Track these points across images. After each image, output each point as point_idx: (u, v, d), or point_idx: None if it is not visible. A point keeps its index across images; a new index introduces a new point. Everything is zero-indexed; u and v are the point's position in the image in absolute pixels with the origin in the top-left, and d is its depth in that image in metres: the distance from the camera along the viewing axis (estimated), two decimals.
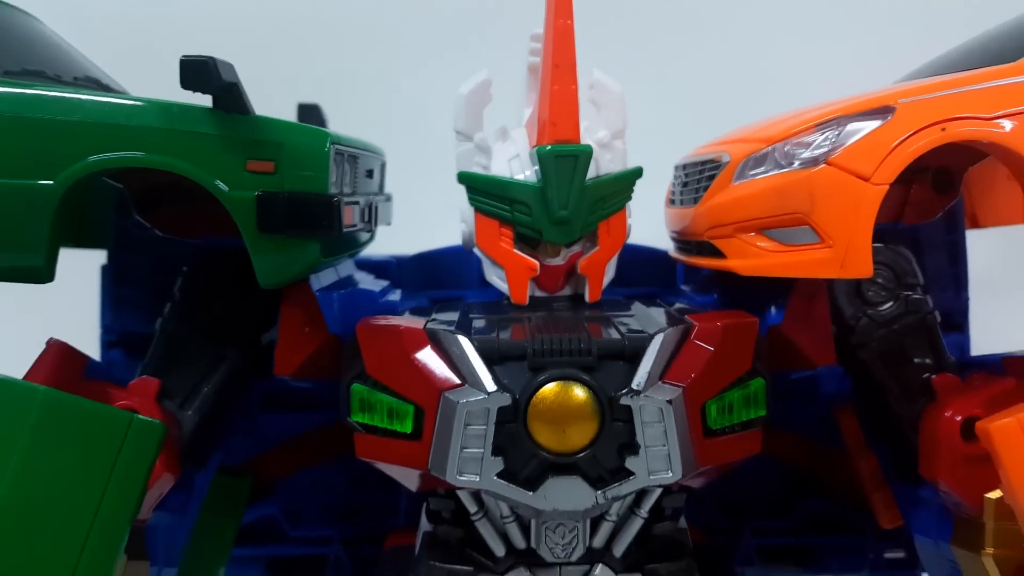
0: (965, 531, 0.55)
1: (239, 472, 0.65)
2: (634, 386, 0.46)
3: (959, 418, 0.53)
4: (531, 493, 0.46)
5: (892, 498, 0.63)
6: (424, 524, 0.56)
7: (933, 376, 0.56)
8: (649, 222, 0.64)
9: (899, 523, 0.63)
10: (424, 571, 0.53)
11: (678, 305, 0.58)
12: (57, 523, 0.43)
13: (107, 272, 0.64)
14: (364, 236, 0.63)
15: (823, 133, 0.50)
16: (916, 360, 0.57)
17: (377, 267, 0.67)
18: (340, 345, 0.53)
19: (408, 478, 0.50)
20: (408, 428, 0.48)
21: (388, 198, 0.65)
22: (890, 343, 0.57)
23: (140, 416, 0.45)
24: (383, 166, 0.63)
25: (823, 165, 0.50)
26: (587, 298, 0.55)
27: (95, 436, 0.44)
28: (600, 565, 0.51)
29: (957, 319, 0.67)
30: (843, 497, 0.70)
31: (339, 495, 0.70)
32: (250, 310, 0.56)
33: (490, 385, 0.46)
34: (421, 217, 0.71)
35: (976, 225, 0.68)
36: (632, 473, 0.47)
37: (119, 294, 0.63)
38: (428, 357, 0.48)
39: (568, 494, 0.47)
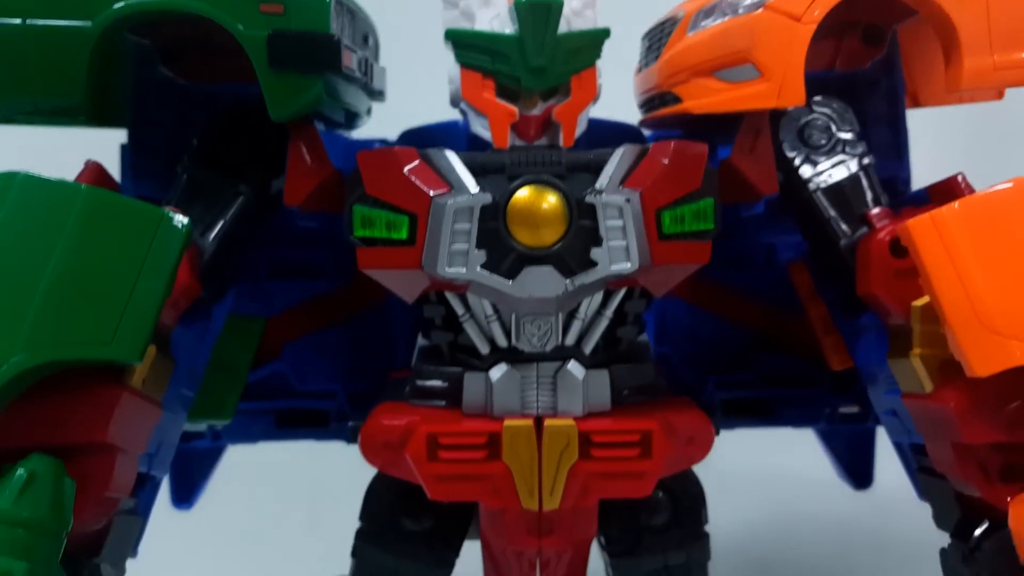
0: (897, 342, 0.61)
1: None
2: (597, 187, 0.54)
3: (888, 238, 0.61)
4: (510, 282, 0.54)
5: (841, 342, 0.70)
6: (419, 342, 0.63)
7: (868, 210, 0.63)
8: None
9: (848, 364, 0.70)
10: (421, 374, 0.60)
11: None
12: (100, 297, 0.49)
13: (126, 148, 0.70)
14: (363, 106, 0.70)
15: None
16: (853, 196, 0.64)
17: (369, 145, 0.74)
18: (342, 182, 0.60)
19: (405, 285, 0.57)
20: (404, 235, 0.55)
21: (383, 69, 0.71)
22: (830, 181, 0.64)
23: (170, 212, 0.52)
24: (376, 43, 0.70)
25: (761, 9, 0.58)
26: (561, 143, 0.62)
27: (130, 228, 0.51)
28: (572, 360, 0.58)
29: (901, 187, 0.74)
30: (798, 351, 0.77)
31: (342, 357, 0.77)
32: (262, 153, 0.64)
33: (473, 188, 0.54)
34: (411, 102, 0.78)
35: (916, 104, 0.75)
36: (596, 263, 0.54)
37: (137, 163, 0.69)
38: (419, 170, 0.55)
39: (542, 282, 0.54)
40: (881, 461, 1.00)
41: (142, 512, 0.59)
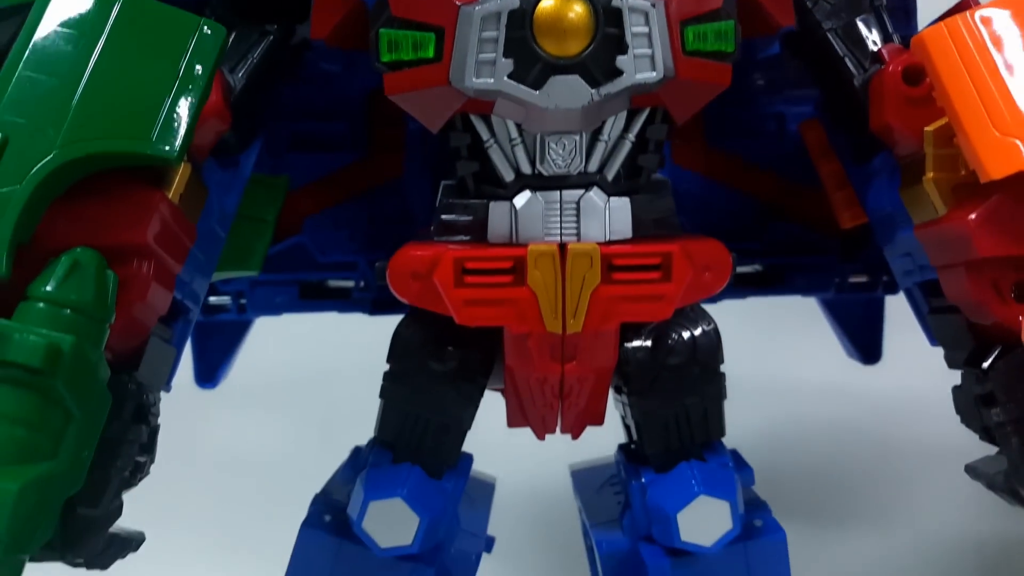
0: (909, 174, 0.63)
1: None
2: None
3: (901, 68, 0.62)
4: (536, 92, 0.55)
5: (852, 196, 0.72)
6: (443, 183, 0.64)
7: (881, 47, 0.65)
8: None
9: (859, 220, 0.72)
10: (446, 209, 0.62)
11: None
12: (140, 96, 0.50)
13: None
14: None
15: None
16: (867, 34, 0.66)
17: None
18: (367, 17, 0.61)
19: (432, 109, 0.58)
20: (431, 53, 0.56)
21: None
22: (844, 21, 0.66)
23: (207, 20, 0.54)
24: None
25: None
26: None
27: (168, 32, 0.52)
28: (595, 187, 0.59)
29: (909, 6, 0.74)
30: (808, 220, 0.78)
31: (361, 229, 0.79)
32: None
33: None
34: None
35: None
36: (622, 72, 0.55)
37: None
38: None
39: (568, 92, 0.55)
40: (882, 368, 1.02)
41: (176, 344, 0.61)
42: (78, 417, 0.47)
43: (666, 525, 0.62)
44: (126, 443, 0.51)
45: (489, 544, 0.71)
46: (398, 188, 0.78)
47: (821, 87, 0.70)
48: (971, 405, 0.62)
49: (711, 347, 0.65)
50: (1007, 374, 0.59)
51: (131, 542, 0.54)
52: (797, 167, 0.77)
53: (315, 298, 0.80)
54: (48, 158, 0.48)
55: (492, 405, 0.68)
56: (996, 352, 0.60)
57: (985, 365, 0.60)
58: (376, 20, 0.59)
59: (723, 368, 0.66)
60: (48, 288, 0.48)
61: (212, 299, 0.79)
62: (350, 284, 0.80)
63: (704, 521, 0.62)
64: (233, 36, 0.63)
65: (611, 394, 0.69)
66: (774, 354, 1.13)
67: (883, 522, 1.17)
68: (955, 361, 0.65)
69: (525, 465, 0.88)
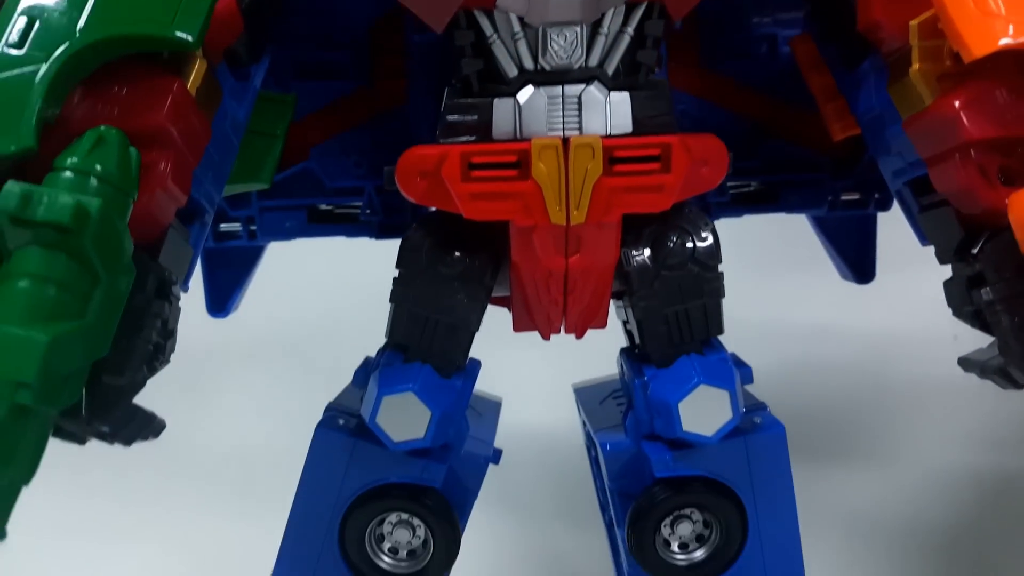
0: (897, 70, 0.65)
1: None
2: None
3: None
4: None
5: (844, 106, 0.74)
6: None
7: None
8: None
9: (850, 131, 0.74)
10: (450, 110, 0.64)
11: None
12: None
13: None
14: None
15: None
16: None
17: None
18: None
19: (436, 6, 0.60)
20: None
21: None
22: None
23: None
24: None
25: None
26: None
27: None
28: (596, 82, 0.61)
29: None
30: (801, 138, 0.81)
31: (367, 155, 0.81)
32: None
33: None
34: None
35: None
36: None
37: None
38: None
39: None
40: (877, 308, 1.04)
41: (193, 246, 0.63)
42: (104, 281, 0.48)
43: (668, 416, 0.64)
44: (149, 315, 0.53)
45: (497, 456, 0.73)
46: (401, 115, 0.81)
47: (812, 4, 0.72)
48: (962, 291, 0.64)
49: (709, 248, 0.67)
50: (996, 254, 0.61)
51: (154, 422, 0.56)
52: (789, 86, 0.79)
53: (323, 222, 0.82)
54: (72, 40, 0.50)
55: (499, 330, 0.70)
56: (985, 237, 0.63)
57: (975, 251, 0.63)
58: None
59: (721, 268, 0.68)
60: (74, 159, 0.50)
61: (223, 226, 0.81)
62: (357, 209, 0.82)
63: (705, 411, 0.64)
64: None
65: (612, 305, 0.71)
66: (771, 296, 1.15)
67: (881, 457, 1.20)
68: (945, 254, 0.67)
69: (530, 390, 0.90)
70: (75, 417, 0.50)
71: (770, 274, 1.25)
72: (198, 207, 0.62)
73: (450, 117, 0.64)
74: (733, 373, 0.66)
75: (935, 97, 0.61)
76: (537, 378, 0.88)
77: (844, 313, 1.11)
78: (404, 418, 0.64)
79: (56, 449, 0.50)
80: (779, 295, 1.26)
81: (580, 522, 0.96)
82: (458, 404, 0.66)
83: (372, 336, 0.71)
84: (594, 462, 0.78)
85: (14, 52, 0.50)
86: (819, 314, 1.11)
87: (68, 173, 0.49)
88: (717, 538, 0.67)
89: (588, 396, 0.79)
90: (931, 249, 0.68)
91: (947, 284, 0.67)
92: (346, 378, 0.72)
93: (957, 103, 0.59)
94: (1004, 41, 0.56)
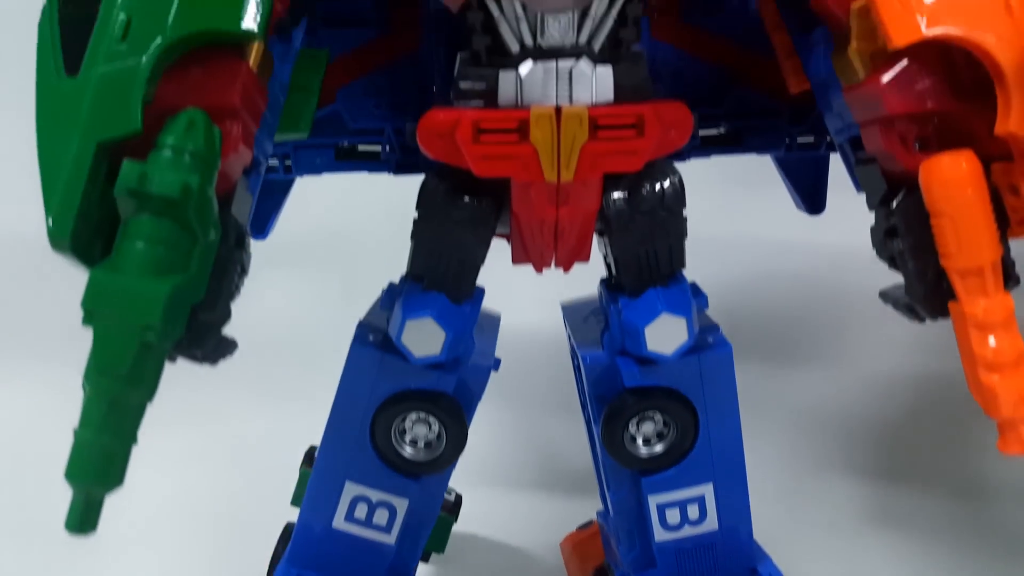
0: (839, 45, 0.76)
1: None
2: None
3: None
4: None
5: (799, 64, 0.85)
6: (460, 56, 0.78)
7: None
8: None
9: (805, 86, 0.86)
10: (462, 76, 0.75)
11: None
12: None
13: None
14: None
15: None
16: None
17: None
18: None
19: None
20: None
21: None
22: None
23: None
24: None
25: None
26: None
27: None
28: (584, 57, 0.73)
29: None
30: (764, 87, 0.92)
31: (385, 98, 0.91)
32: None
33: None
34: None
35: None
36: None
37: None
38: None
39: None
40: (830, 226, 1.16)
41: (251, 191, 0.75)
42: (201, 240, 0.61)
43: (636, 338, 0.78)
44: (232, 263, 0.66)
45: (497, 364, 0.87)
46: (416, 61, 0.90)
47: None
48: (880, 239, 0.78)
49: (676, 195, 0.80)
50: (906, 211, 0.73)
51: (231, 345, 0.69)
52: (757, 39, 0.89)
53: (348, 159, 0.93)
54: (164, 35, 0.61)
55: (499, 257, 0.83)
56: (902, 192, 0.76)
57: (893, 205, 0.76)
58: None
59: (686, 213, 0.81)
60: (172, 139, 0.62)
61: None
62: (378, 148, 0.93)
63: (666, 334, 0.78)
64: None
65: (595, 239, 0.84)
66: (735, 214, 1.27)
67: (831, 361, 1.34)
68: (872, 203, 0.80)
69: (524, 305, 1.03)
70: (178, 346, 0.64)
71: (734, 193, 1.36)
72: (255, 160, 0.74)
73: (462, 84, 0.76)
74: (691, 303, 0.79)
75: (867, 73, 0.73)
76: (530, 296, 1.02)
77: (800, 230, 1.23)
78: (424, 338, 0.78)
79: None
80: (742, 212, 1.39)
81: (565, 416, 1.11)
82: (467, 326, 0.80)
83: (391, 249, 0.84)
84: (576, 370, 0.92)
85: (119, 46, 0.61)
86: (780, 231, 1.23)
87: (168, 152, 0.61)
88: (674, 436, 0.82)
89: (573, 312, 0.93)
90: None
91: (872, 229, 0.80)
92: (366, 282, 0.84)
93: (883, 80, 0.71)
94: (923, 32, 0.68)
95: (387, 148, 0.93)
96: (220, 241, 0.64)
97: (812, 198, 1.01)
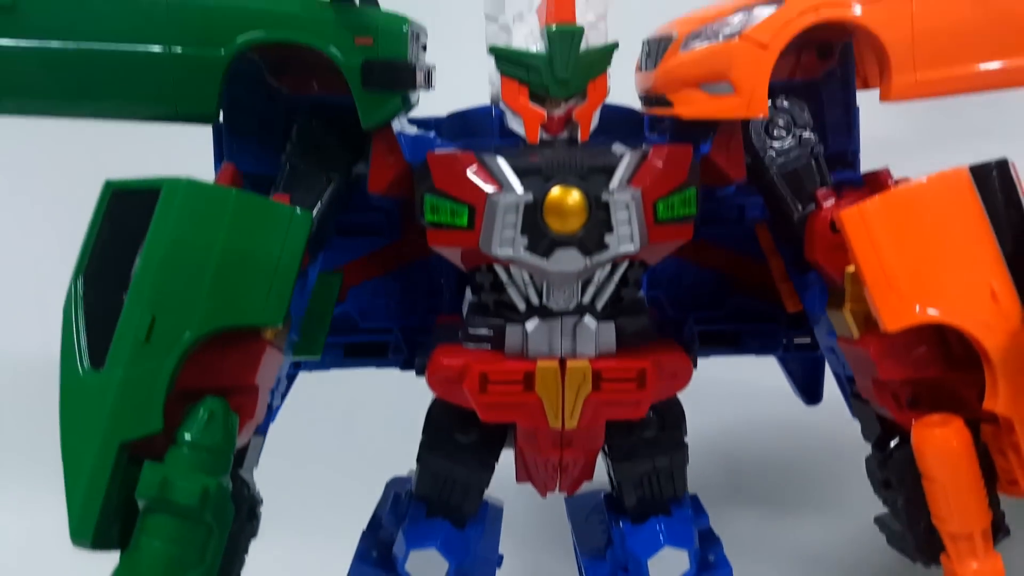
0: (834, 297, 0.79)
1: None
2: (610, 188, 0.71)
3: (829, 217, 0.78)
4: (546, 260, 0.71)
5: (794, 289, 0.88)
6: (468, 297, 0.80)
7: (816, 189, 0.81)
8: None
9: (800, 308, 0.88)
10: (471, 323, 0.78)
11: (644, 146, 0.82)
12: (252, 277, 0.66)
13: (221, 129, 0.84)
14: (414, 98, 0.86)
15: (739, 15, 0.74)
16: (805, 179, 0.81)
17: (422, 123, 0.88)
18: (411, 173, 0.77)
19: (464, 259, 0.75)
20: (464, 222, 0.72)
21: (433, 66, 0.87)
22: (787, 167, 0.81)
23: (298, 209, 0.69)
24: (425, 41, 0.86)
25: (737, 39, 0.73)
26: (579, 139, 0.76)
27: (269, 222, 0.67)
28: (587, 315, 0.76)
29: (850, 158, 0.89)
30: (761, 293, 0.95)
31: (395, 299, 0.94)
32: (348, 149, 0.80)
33: (519, 188, 0.71)
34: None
35: (867, 86, 0.90)
36: (608, 246, 0.72)
37: (231, 143, 0.84)
38: (477, 171, 0.72)
39: (568, 261, 0.71)
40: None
41: (263, 432, 0.78)
42: (216, 531, 0.64)
43: (639, 567, 0.81)
44: (243, 535, 0.69)
45: (499, 561, 0.89)
46: (427, 266, 0.94)
47: (768, 210, 0.85)
48: (876, 480, 0.81)
49: (676, 421, 0.83)
50: (901, 467, 0.77)
51: None
52: (754, 247, 0.92)
53: (356, 356, 0.96)
54: (188, 333, 0.64)
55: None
56: (896, 442, 0.78)
57: (891, 445, 0.78)
58: (421, 182, 0.74)
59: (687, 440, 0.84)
60: (190, 437, 0.64)
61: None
62: (387, 343, 0.96)
63: (668, 564, 0.81)
64: (304, 182, 0.78)
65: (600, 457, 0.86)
66: (736, 359, 1.29)
67: (830, 507, 1.35)
68: (867, 436, 0.83)
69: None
70: None
71: None
72: (269, 407, 0.77)
73: (471, 329, 0.79)
74: (692, 533, 0.82)
75: (861, 333, 0.76)
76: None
77: None
78: (427, 567, 0.80)
79: None
80: (745, 358, 1.41)
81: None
82: (470, 551, 0.82)
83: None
84: (580, 569, 0.94)
85: (143, 348, 0.64)
86: (780, 378, 1.25)
87: (187, 451, 0.64)
88: None
89: (575, 506, 0.96)
90: None
91: (868, 461, 0.83)
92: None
93: (875, 350, 0.74)
94: (915, 316, 0.71)
95: (395, 343, 0.95)
96: (233, 519, 0.67)
97: (810, 390, 1.03)
